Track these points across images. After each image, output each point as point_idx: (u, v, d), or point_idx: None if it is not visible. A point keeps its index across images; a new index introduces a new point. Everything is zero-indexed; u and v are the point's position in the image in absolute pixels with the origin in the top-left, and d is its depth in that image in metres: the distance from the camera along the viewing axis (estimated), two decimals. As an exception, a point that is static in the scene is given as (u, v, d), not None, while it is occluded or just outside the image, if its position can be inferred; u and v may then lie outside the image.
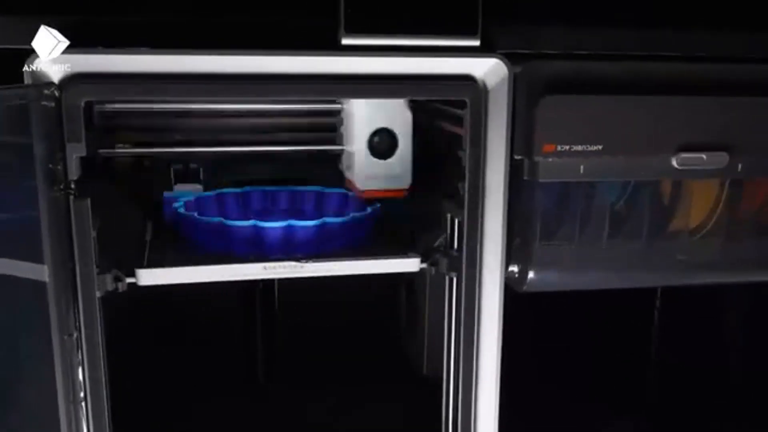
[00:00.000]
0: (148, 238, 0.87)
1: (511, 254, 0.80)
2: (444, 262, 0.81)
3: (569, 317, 1.14)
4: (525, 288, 0.82)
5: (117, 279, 0.74)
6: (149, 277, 0.75)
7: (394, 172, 0.82)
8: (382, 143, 0.81)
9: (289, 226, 0.80)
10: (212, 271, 0.76)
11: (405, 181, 0.84)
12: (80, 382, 0.72)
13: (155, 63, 0.68)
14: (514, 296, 0.81)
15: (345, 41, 0.73)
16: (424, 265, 0.82)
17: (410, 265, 0.81)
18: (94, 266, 0.70)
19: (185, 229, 0.84)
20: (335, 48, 0.73)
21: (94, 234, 0.70)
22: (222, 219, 0.80)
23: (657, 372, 1.24)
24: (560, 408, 1.09)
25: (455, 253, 0.80)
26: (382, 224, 0.88)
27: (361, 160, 0.82)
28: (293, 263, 0.77)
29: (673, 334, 1.22)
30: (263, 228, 0.79)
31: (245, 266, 0.77)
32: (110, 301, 0.74)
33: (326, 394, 1.04)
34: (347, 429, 0.98)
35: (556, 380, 1.14)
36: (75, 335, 0.71)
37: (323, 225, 0.81)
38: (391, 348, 1.12)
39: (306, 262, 0.77)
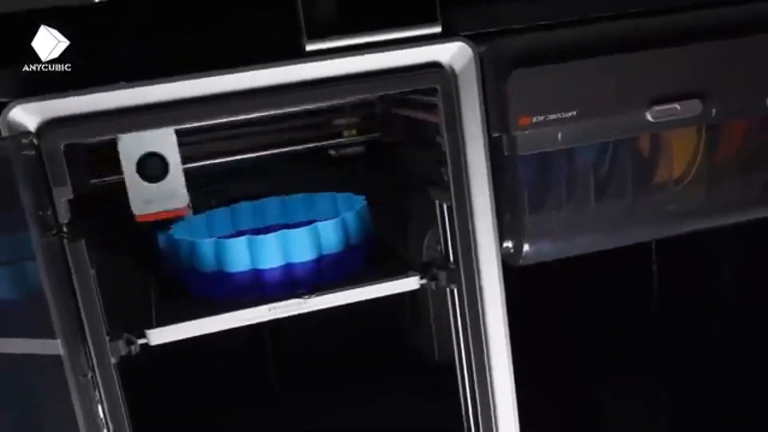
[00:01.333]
0: (149, 287, 0.89)
1: (503, 230, 0.81)
2: (443, 276, 0.82)
3: (569, 284, 1.15)
4: (521, 262, 0.83)
5: (129, 342, 0.75)
6: (160, 336, 0.77)
7: (168, 193, 0.81)
8: (151, 167, 0.80)
9: (288, 264, 0.82)
10: (220, 320, 0.78)
11: (182, 200, 0.82)
12: (101, 419, 0.74)
13: (125, 97, 0.69)
14: (509, 269, 0.82)
15: (309, 47, 0.74)
16: (423, 281, 0.83)
17: (410, 284, 0.83)
18: (104, 325, 0.72)
19: (183, 277, 0.86)
20: (301, 55, 0.74)
21: (93, 272, 0.71)
22: (220, 268, 0.82)
23: (660, 327, 1.24)
24: (568, 375, 1.09)
25: (452, 266, 0.81)
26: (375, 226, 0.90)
27: (133, 185, 0.80)
28: (297, 300, 0.79)
29: (673, 288, 1.23)
30: (262, 270, 0.82)
31: (251, 311, 0.78)
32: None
33: (342, 393, 1.05)
34: (372, 419, 0.99)
35: (562, 348, 1.14)
36: (90, 375, 0.72)
37: (320, 258, 0.83)
38: (400, 342, 1.12)
39: (309, 297, 0.79)
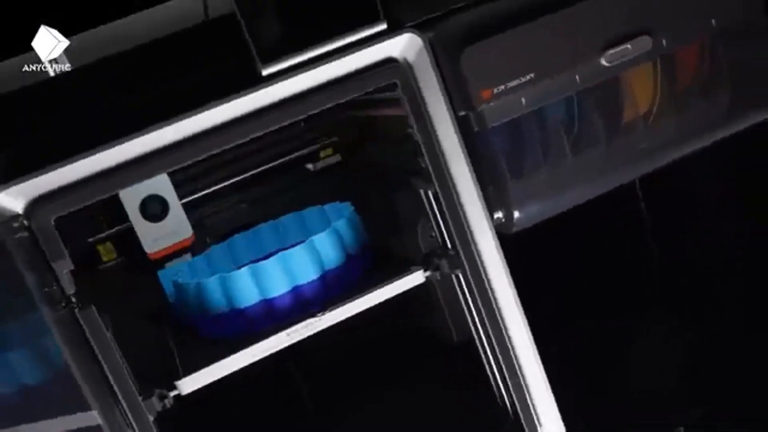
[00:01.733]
0: (165, 336, 0.90)
1: (490, 203, 0.82)
2: (445, 264, 0.84)
3: (562, 237, 1.15)
4: (515, 229, 0.84)
5: (162, 397, 0.76)
6: (190, 384, 0.78)
7: (173, 227, 0.91)
8: (153, 209, 0.90)
9: (295, 288, 0.84)
10: (244, 356, 0.79)
11: (185, 231, 0.92)
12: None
13: (100, 161, 0.70)
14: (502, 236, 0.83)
15: (265, 72, 0.75)
16: (428, 273, 0.84)
17: (416, 279, 0.84)
18: (134, 385, 0.73)
19: (196, 321, 0.87)
20: (258, 81, 0.75)
21: (110, 335, 0.72)
22: (230, 305, 0.84)
23: (657, 264, 1.25)
24: (571, 323, 1.11)
25: (451, 251, 0.83)
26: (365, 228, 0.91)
27: (140, 227, 0.89)
28: (312, 320, 0.80)
29: (664, 224, 1.24)
30: (272, 299, 0.83)
31: (270, 340, 0.80)
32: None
33: (374, 391, 1.06)
34: (407, 410, 1.00)
35: (561, 298, 1.15)
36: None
37: (324, 275, 0.85)
38: (415, 331, 1.13)
39: (323, 314, 0.80)
